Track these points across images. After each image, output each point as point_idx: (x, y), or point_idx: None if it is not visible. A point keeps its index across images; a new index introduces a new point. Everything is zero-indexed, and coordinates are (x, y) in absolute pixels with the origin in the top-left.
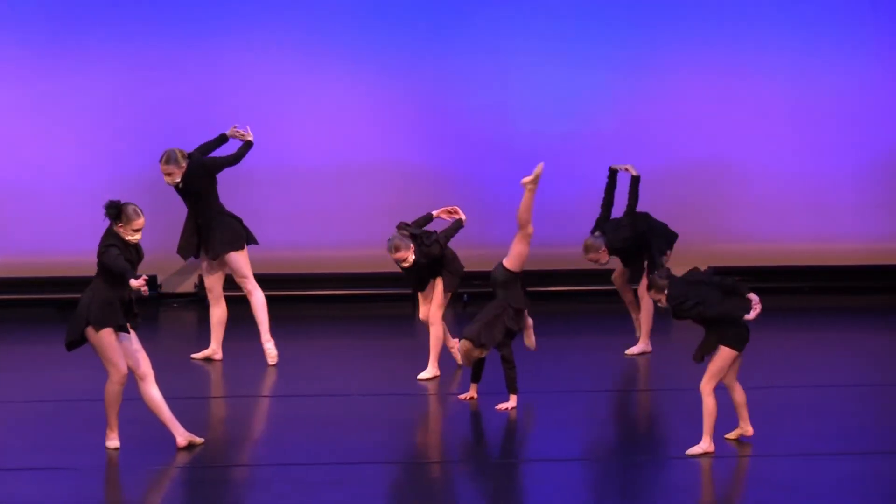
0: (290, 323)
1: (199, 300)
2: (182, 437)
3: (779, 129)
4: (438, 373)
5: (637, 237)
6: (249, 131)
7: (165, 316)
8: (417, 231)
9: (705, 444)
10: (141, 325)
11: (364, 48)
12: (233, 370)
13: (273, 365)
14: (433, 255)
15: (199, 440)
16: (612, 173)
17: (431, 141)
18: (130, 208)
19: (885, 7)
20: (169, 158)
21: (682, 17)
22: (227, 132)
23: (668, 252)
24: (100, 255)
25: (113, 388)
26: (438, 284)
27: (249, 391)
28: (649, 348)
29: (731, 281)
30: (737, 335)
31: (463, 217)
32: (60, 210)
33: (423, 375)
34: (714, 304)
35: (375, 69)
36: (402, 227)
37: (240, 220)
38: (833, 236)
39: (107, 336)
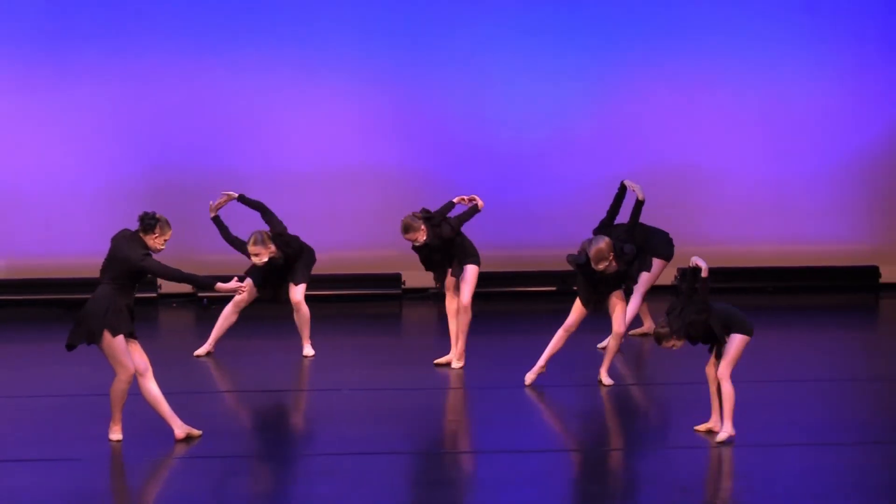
0: (281, 321)
1: (196, 300)
2: (180, 429)
3: (746, 137)
4: (462, 363)
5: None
6: (226, 194)
7: (164, 315)
8: (431, 213)
9: (728, 428)
10: (140, 325)
11: (351, 59)
12: (228, 366)
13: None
14: (443, 235)
15: (196, 432)
16: (622, 188)
17: (414, 146)
18: (164, 220)
19: (845, 21)
20: (255, 241)
21: (655, 32)
22: (212, 215)
23: (666, 262)
24: (137, 261)
25: (120, 386)
26: (469, 271)
27: (244, 386)
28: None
29: (685, 284)
30: (745, 322)
31: (480, 203)
32: (61, 215)
33: (441, 360)
34: (698, 304)
35: (363, 79)
36: (422, 210)
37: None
38: (796, 238)
39: (119, 341)
